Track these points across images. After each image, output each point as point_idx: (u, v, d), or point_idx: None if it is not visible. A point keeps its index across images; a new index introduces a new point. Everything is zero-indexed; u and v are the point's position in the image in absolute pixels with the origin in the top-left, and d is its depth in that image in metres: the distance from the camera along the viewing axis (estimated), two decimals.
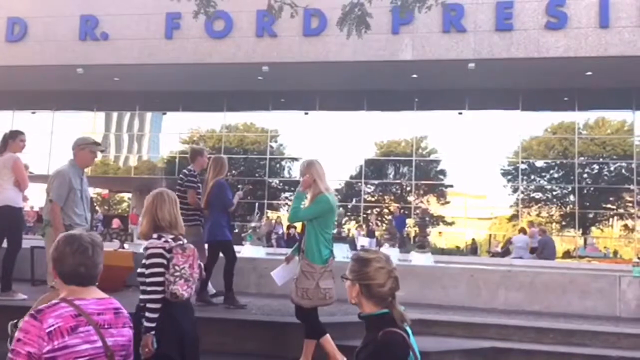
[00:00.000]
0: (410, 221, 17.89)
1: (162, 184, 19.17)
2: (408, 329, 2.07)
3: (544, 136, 19.05)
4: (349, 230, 17.45)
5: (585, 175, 18.92)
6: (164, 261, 3.04)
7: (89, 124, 21.48)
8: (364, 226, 17.58)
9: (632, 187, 18.02)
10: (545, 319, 6.17)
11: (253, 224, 10.50)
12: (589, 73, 15.51)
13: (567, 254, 18.51)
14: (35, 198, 22.07)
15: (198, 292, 6.18)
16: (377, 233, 16.57)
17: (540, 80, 16.28)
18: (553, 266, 10.84)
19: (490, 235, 20.26)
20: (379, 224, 18.69)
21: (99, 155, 5.85)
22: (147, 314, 2.97)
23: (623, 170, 18.44)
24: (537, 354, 5.30)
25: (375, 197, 20.64)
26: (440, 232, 20.75)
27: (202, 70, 16.65)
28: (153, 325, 2.96)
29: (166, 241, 3.10)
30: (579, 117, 18.42)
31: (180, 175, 6.37)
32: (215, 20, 15.91)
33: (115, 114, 21.85)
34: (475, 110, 18.31)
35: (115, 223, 20.30)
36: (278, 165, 21.32)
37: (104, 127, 21.96)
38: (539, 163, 19.29)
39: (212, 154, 6.73)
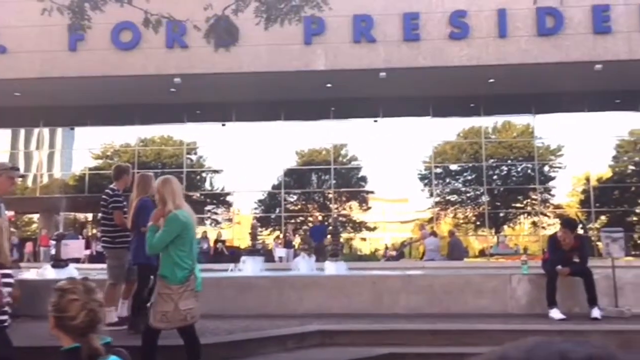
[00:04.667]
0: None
1: (63, 203, 18.33)
2: None
3: (457, 141, 19.86)
4: (263, 241, 17.35)
5: (495, 177, 19.88)
6: None
7: None
8: (281, 237, 17.54)
9: (536, 186, 19.16)
10: (442, 321, 6.36)
11: None
12: (492, 80, 16.32)
13: (481, 253, 19.36)
14: None
15: (130, 319, 5.87)
16: (294, 243, 16.58)
17: (447, 88, 16.92)
18: (461, 266, 11.27)
19: (410, 239, 20.78)
20: (302, 233, 18.73)
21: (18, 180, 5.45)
22: None
23: (529, 171, 19.53)
24: (431, 357, 5.44)
25: (299, 207, 20.68)
26: (363, 238, 21.10)
27: (111, 83, 16.05)
28: None
29: None
30: (486, 122, 19.35)
31: (104, 196, 6.16)
32: (122, 31, 15.50)
33: (22, 131, 20.66)
34: (390, 117, 18.81)
35: (29, 247, 19.15)
36: (198, 178, 20.92)
37: (9, 144, 20.67)
38: (453, 166, 20.07)
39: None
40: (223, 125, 19.32)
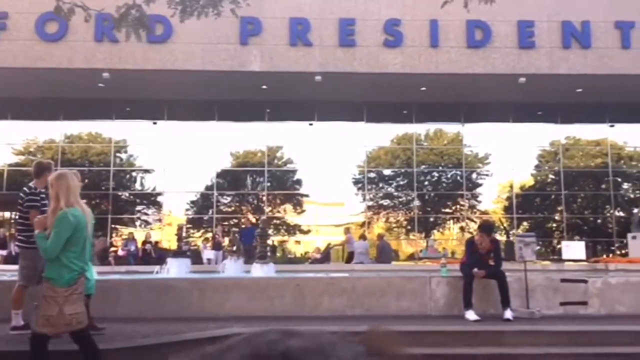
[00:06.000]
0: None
1: None
2: None
3: (390, 146, 20.25)
4: (192, 243, 17.02)
5: (426, 183, 20.42)
6: None
7: None
8: (210, 239, 17.25)
9: (464, 192, 19.86)
10: (363, 323, 6.41)
11: None
12: (424, 88, 16.78)
13: (411, 257, 19.79)
14: None
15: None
16: (224, 245, 16.34)
17: (381, 94, 17.24)
18: (388, 269, 11.44)
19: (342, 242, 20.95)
20: (231, 235, 18.47)
21: None
22: None
23: (458, 178, 20.20)
24: None
25: (232, 208, 20.41)
26: (297, 241, 21.07)
27: (34, 75, 15.29)
28: None
29: None
30: (418, 129, 19.86)
31: (21, 194, 5.89)
32: (47, 22, 14.77)
33: None
34: (325, 121, 18.92)
35: None
36: (128, 177, 20.23)
37: None
38: (386, 172, 20.45)
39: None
40: (154, 123, 18.79)
